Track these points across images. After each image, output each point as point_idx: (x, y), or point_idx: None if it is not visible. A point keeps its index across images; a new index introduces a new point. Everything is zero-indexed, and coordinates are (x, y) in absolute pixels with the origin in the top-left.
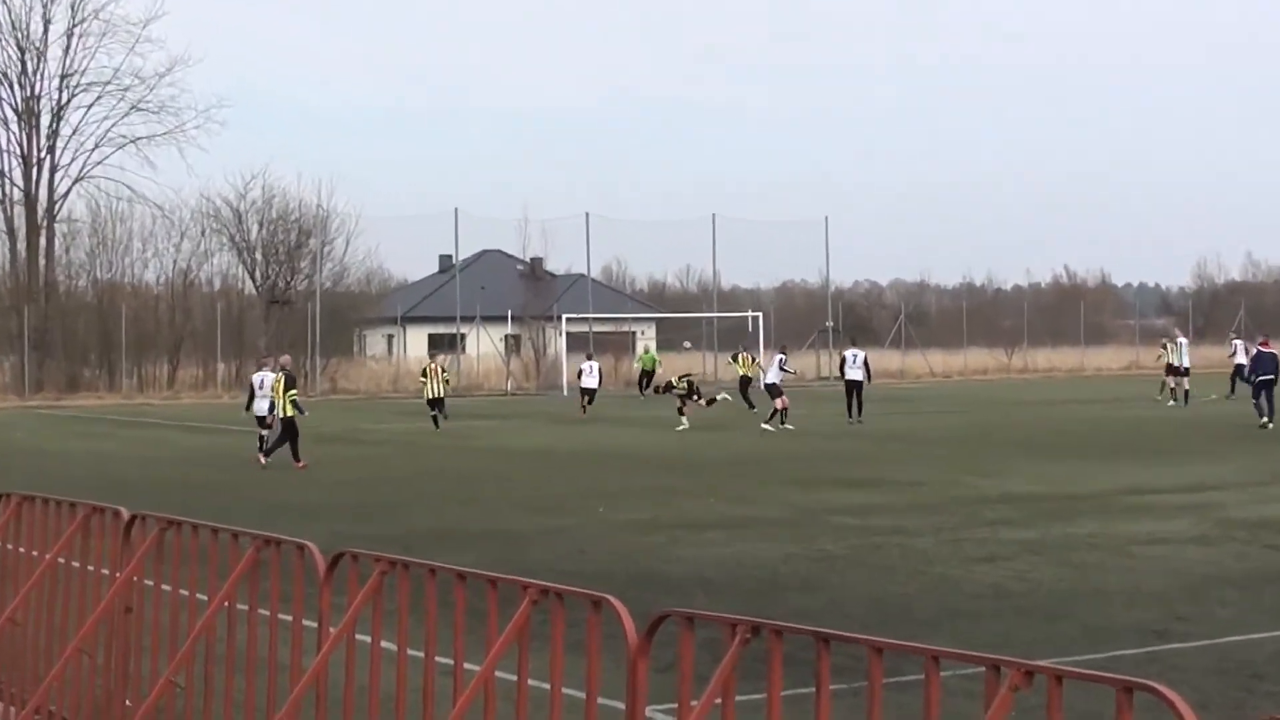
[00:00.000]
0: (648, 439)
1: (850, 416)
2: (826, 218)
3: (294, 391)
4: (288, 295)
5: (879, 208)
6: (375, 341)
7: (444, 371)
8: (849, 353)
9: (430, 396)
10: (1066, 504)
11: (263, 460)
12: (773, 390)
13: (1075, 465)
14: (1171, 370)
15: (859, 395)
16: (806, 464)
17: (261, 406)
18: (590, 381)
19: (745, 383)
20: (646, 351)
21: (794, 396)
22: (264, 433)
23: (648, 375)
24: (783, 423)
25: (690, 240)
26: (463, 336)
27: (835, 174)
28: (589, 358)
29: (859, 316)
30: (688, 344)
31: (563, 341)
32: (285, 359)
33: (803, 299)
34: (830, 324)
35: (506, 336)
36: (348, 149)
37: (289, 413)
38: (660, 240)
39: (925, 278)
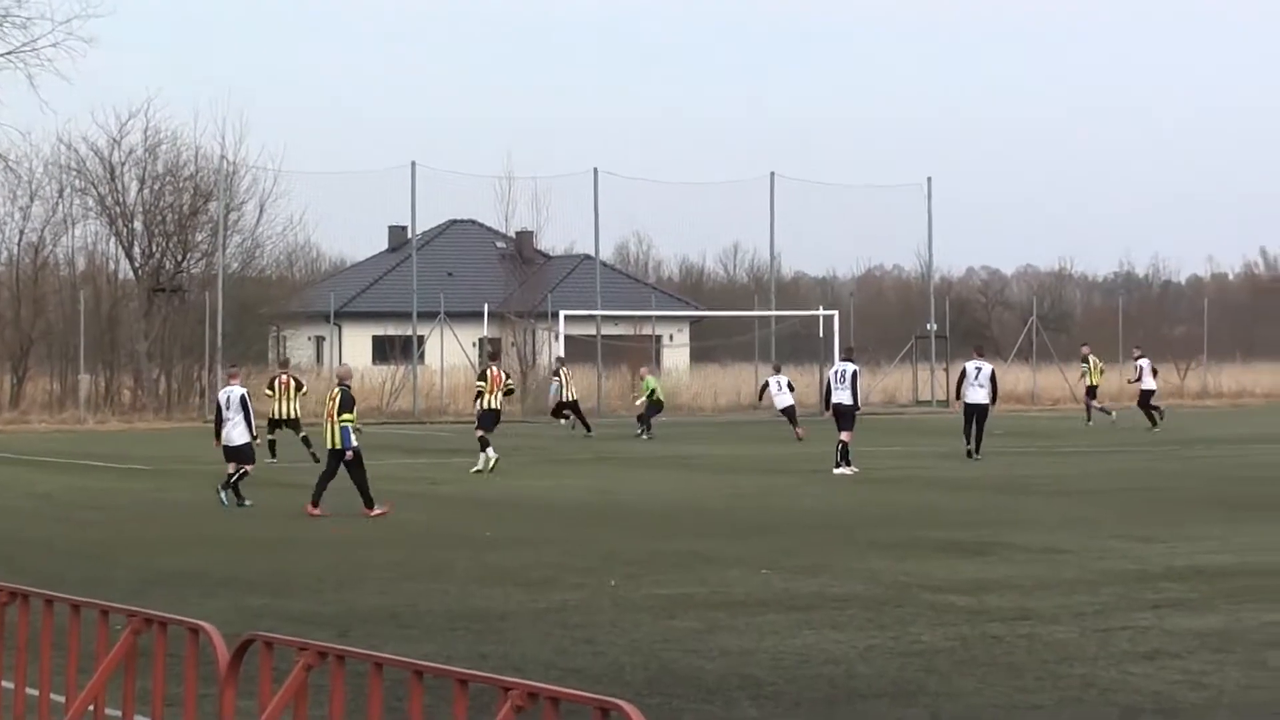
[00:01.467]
0: (676, 484)
1: (968, 444)
2: (929, 179)
3: (349, 416)
4: (178, 281)
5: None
6: (299, 346)
7: (300, 388)
8: (971, 366)
9: (277, 416)
10: (1263, 581)
11: (313, 510)
12: (791, 415)
13: (1277, 528)
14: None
15: (980, 423)
16: (898, 522)
17: (234, 435)
18: (550, 399)
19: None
20: (644, 379)
21: (884, 427)
22: (235, 471)
23: (654, 408)
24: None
25: (739, 209)
26: (420, 340)
27: (941, 121)
28: (557, 370)
29: (974, 318)
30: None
31: (560, 348)
32: (343, 369)
33: (894, 293)
34: (933, 327)
35: (482, 340)
36: (264, 77)
37: (353, 442)
38: (698, 209)
39: (1066, 265)
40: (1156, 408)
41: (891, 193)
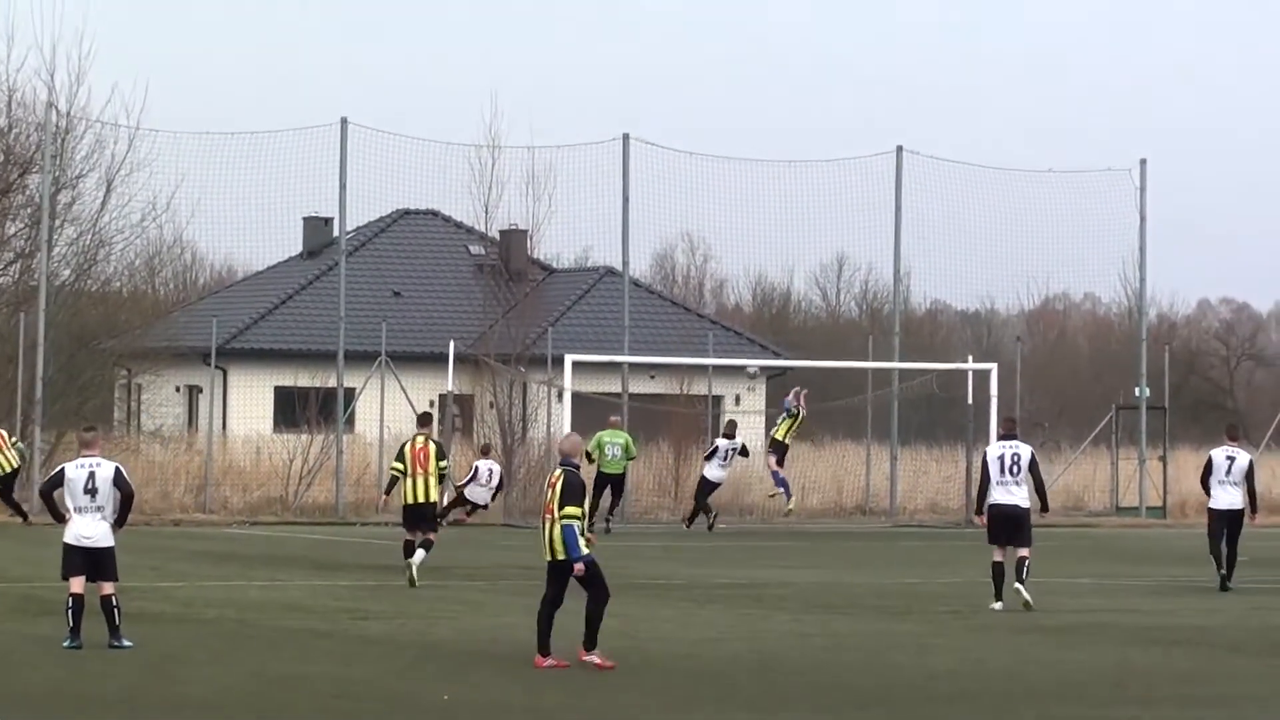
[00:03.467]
0: (737, 627)
1: (1220, 569)
2: (1143, 163)
3: (574, 511)
4: None
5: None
6: (163, 400)
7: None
8: (1222, 455)
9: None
10: None
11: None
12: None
13: None
14: None
15: (1235, 537)
16: (1085, 696)
17: (96, 533)
18: (481, 494)
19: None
20: (619, 435)
21: (1065, 546)
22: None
23: (609, 484)
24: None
25: (846, 202)
26: (349, 395)
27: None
28: (484, 452)
29: (1209, 379)
30: (753, 369)
31: (565, 412)
32: (570, 441)
33: (1085, 337)
34: (1145, 393)
35: (444, 398)
36: None
37: (582, 550)
38: (781, 202)
39: None
40: None
41: (1084, 182)
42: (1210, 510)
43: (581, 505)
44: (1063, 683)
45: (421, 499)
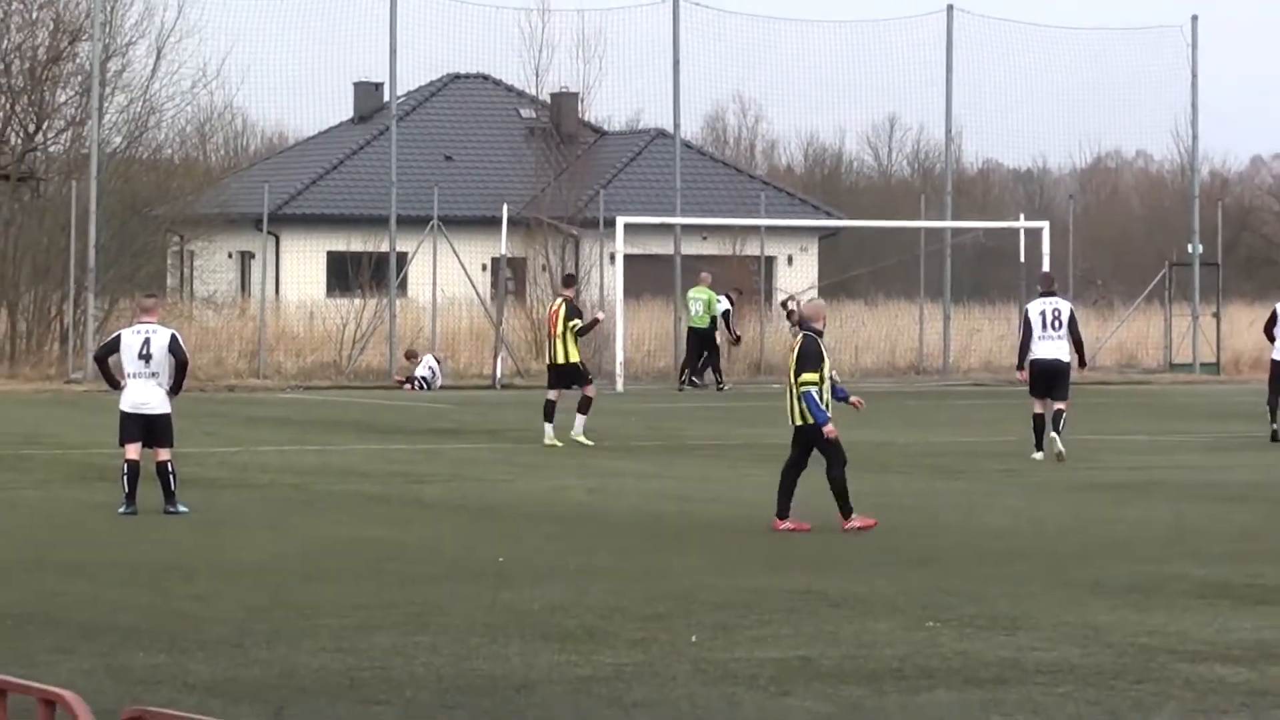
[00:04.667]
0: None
1: (1274, 421)
2: (1195, 19)
3: (811, 376)
4: (29, 165)
5: None
6: (215, 266)
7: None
8: None
9: (555, 360)
10: None
11: (782, 524)
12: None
13: None
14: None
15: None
16: (1137, 552)
17: (151, 399)
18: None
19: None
20: (703, 293)
21: (1118, 404)
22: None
23: (703, 341)
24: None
25: (899, 60)
26: (401, 260)
27: None
28: (410, 356)
29: (1262, 235)
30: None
31: (618, 273)
32: (813, 306)
33: (1138, 195)
34: (1198, 249)
35: (497, 261)
36: None
37: (827, 415)
38: (833, 60)
39: None
40: None
41: (1135, 40)
42: (1274, 361)
43: (820, 370)
44: (1117, 540)
45: (557, 360)
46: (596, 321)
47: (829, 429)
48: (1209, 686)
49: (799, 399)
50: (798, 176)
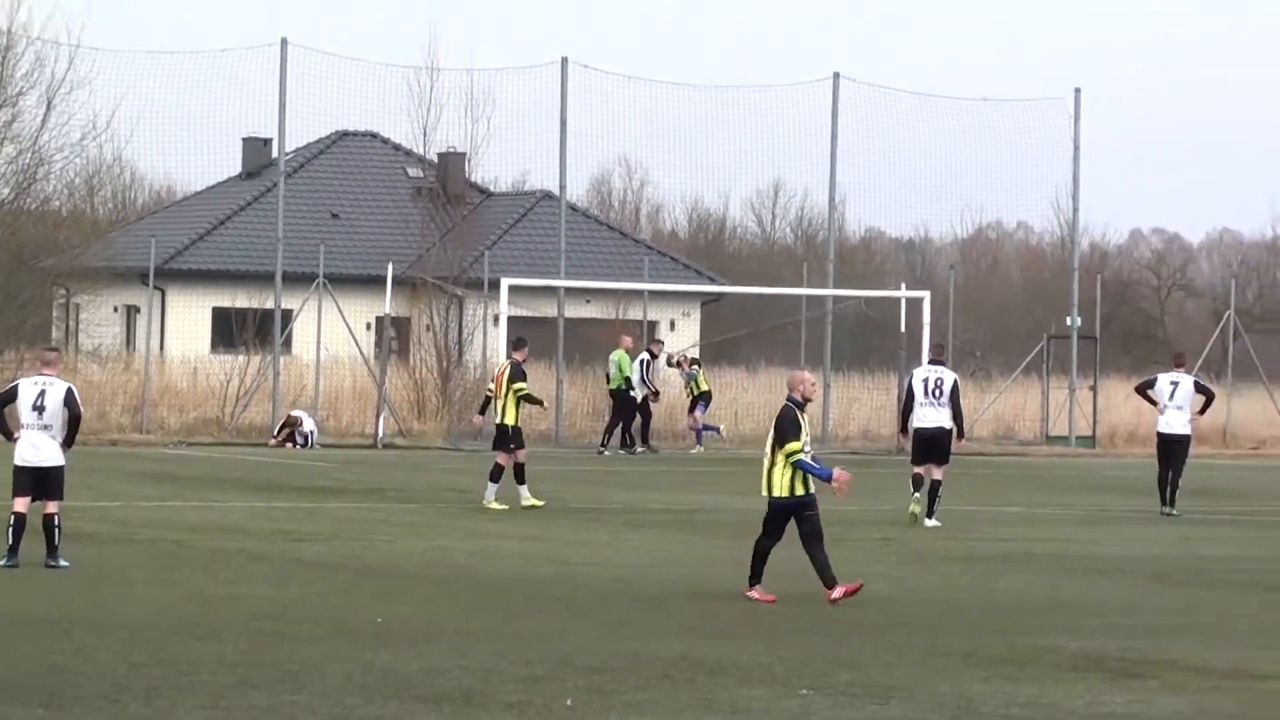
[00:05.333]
0: (672, 552)
1: (1165, 503)
2: (1078, 92)
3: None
4: None
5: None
6: (101, 320)
7: (514, 379)
8: (1166, 380)
9: (501, 421)
10: None
11: (751, 593)
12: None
13: None
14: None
15: (1180, 462)
16: (1013, 624)
17: (44, 451)
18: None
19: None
20: (616, 355)
21: (996, 475)
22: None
23: (623, 404)
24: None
25: (785, 128)
26: (287, 317)
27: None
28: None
29: (1140, 309)
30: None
31: (501, 334)
32: (797, 378)
33: (1018, 267)
34: (1076, 322)
35: (381, 320)
36: None
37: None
38: (719, 127)
39: None
40: None
41: (1018, 114)
42: (1160, 436)
43: (797, 438)
44: (992, 611)
45: (498, 420)
46: (541, 403)
47: (839, 475)
48: None
49: (786, 470)
50: (682, 241)
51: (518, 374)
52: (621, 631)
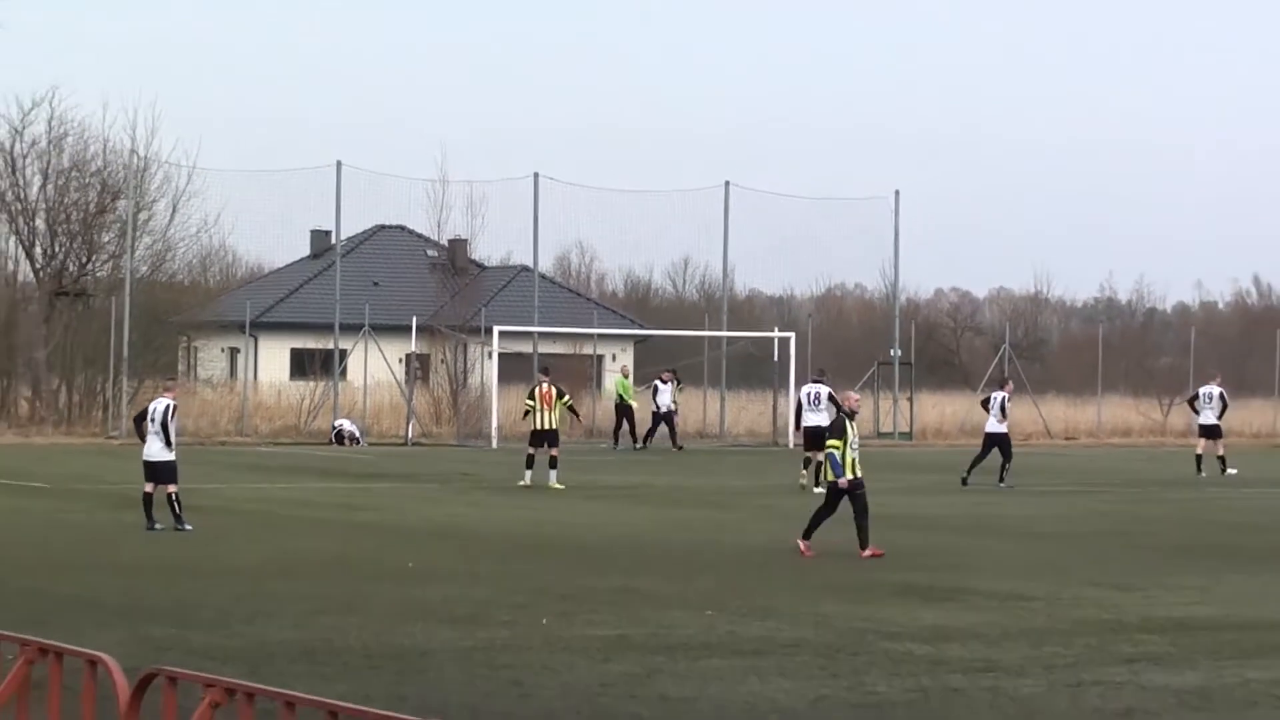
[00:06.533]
0: (617, 516)
1: (1002, 479)
2: (897, 193)
3: (835, 443)
4: (82, 285)
5: (974, 184)
6: (212, 358)
7: (562, 396)
8: (998, 397)
9: (539, 427)
10: (1249, 635)
11: (805, 546)
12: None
13: (1267, 580)
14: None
15: (1002, 450)
16: (855, 563)
17: (151, 448)
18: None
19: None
20: (625, 376)
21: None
22: (171, 493)
23: (625, 413)
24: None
25: (691, 221)
26: (343, 354)
27: (909, 132)
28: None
29: (942, 344)
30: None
31: (494, 366)
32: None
33: (857, 315)
34: (897, 353)
35: (409, 356)
36: (180, 66)
37: (844, 473)
38: (646, 220)
39: (1043, 288)
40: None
41: (856, 207)
42: (987, 433)
43: (842, 439)
44: (842, 554)
45: (547, 425)
46: (578, 415)
47: (842, 481)
48: (902, 657)
49: (826, 459)
50: (619, 299)
51: (562, 392)
52: (582, 571)
